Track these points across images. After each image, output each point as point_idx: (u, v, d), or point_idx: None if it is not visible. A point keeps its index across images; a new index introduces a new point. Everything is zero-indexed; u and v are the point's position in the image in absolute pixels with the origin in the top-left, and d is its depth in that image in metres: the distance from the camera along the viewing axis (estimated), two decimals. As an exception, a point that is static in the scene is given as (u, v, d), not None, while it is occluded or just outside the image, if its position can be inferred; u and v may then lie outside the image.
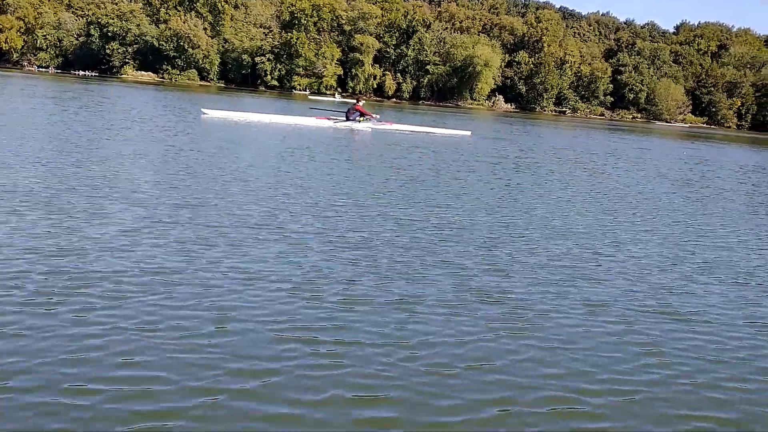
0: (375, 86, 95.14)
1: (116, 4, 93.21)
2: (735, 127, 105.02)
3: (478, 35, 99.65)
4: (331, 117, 25.41)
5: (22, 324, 4.40)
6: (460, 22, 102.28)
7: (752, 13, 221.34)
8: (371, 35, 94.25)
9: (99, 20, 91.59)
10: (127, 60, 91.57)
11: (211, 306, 4.95)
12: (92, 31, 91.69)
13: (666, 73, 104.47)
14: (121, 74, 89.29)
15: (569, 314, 5.50)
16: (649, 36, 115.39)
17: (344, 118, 24.75)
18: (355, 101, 27.01)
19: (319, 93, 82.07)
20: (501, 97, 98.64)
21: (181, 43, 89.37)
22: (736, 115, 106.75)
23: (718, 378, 4.44)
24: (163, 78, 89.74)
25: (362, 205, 9.51)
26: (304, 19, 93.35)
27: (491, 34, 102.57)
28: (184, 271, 5.70)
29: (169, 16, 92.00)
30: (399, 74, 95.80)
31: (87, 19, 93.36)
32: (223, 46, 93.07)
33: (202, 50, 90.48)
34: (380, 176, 12.87)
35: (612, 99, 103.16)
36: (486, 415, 3.72)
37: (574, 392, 4.05)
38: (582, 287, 6.24)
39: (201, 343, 4.32)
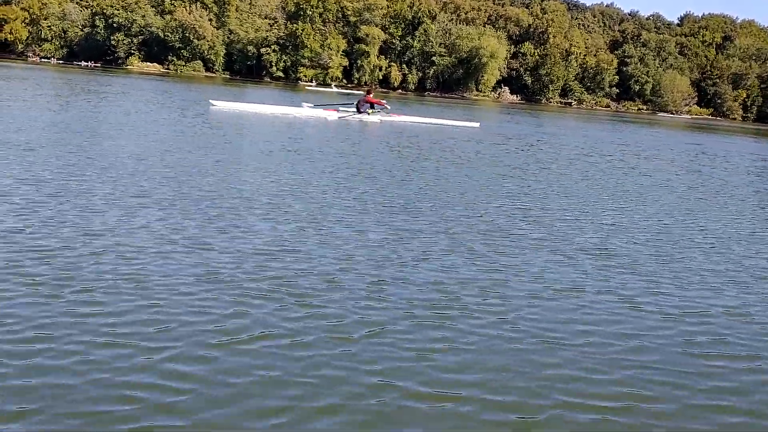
0: (380, 77, 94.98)
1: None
2: (740, 118, 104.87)
3: (484, 26, 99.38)
4: (341, 108, 25.41)
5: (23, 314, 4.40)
6: (466, 13, 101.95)
7: (756, 4, 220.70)
8: (377, 26, 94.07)
9: (104, 11, 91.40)
10: (132, 51, 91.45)
11: (229, 301, 4.84)
12: (97, 22, 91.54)
13: (671, 64, 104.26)
14: (127, 65, 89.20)
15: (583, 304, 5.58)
16: (654, 27, 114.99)
17: (355, 110, 24.74)
18: (364, 93, 27.16)
19: (324, 84, 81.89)
20: (507, 88, 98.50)
21: (187, 34, 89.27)
22: (741, 106, 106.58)
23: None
24: (168, 69, 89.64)
25: (383, 195, 9.53)
26: (310, 10, 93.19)
27: (496, 26, 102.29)
28: (196, 264, 5.61)
29: (174, 6, 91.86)
30: (404, 65, 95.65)
31: (92, 10, 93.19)
32: (228, 37, 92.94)
33: (207, 41, 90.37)
34: (395, 167, 12.89)
35: (617, 90, 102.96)
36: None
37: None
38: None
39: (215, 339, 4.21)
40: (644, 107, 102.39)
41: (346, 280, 5.51)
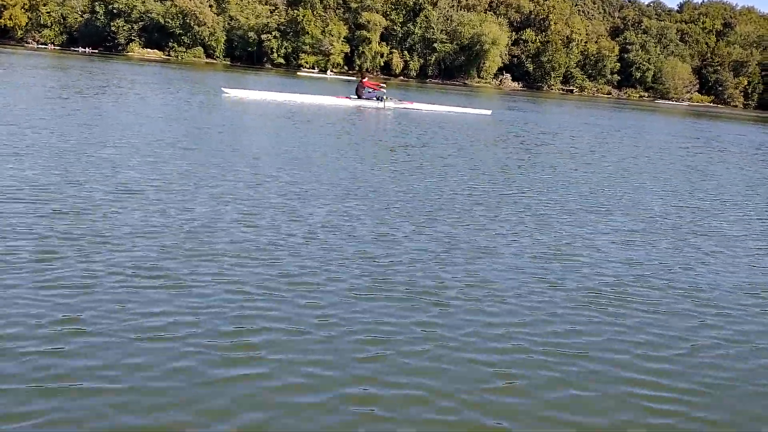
0: (382, 64, 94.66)
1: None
2: (741, 106, 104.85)
3: (485, 13, 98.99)
4: (351, 96, 25.66)
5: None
6: (467, 0, 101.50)
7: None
8: (378, 13, 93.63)
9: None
10: (132, 37, 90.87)
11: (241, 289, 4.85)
12: (97, 8, 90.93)
13: (672, 51, 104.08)
14: (127, 52, 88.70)
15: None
16: (655, 14, 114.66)
17: (356, 96, 25.06)
18: (359, 79, 27.38)
19: (323, 71, 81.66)
20: (508, 75, 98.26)
21: (187, 21, 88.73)
22: (742, 94, 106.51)
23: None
24: (169, 56, 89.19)
25: (404, 183, 9.64)
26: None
27: (497, 12, 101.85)
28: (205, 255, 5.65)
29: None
30: (406, 52, 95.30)
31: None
32: (228, 24, 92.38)
33: (208, 27, 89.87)
34: (411, 154, 12.98)
35: (619, 78, 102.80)
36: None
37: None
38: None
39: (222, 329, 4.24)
40: (645, 94, 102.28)
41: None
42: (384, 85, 26.81)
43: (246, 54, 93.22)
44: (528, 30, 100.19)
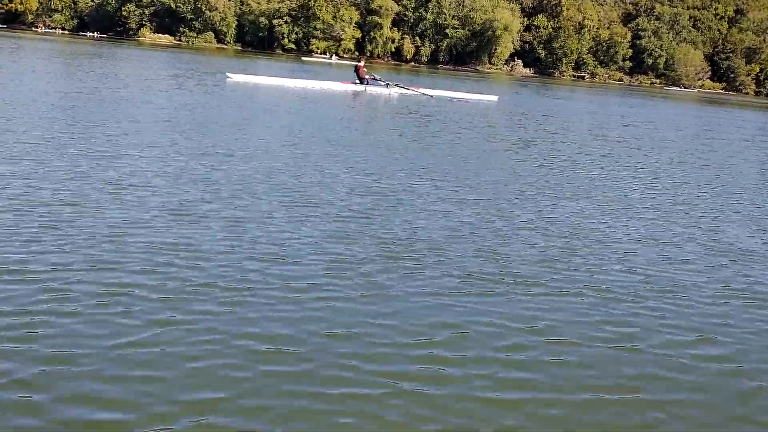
0: (393, 50, 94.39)
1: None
2: (753, 93, 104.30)
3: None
4: (355, 81, 25.72)
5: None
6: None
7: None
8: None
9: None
10: (143, 22, 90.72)
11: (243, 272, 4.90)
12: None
13: (685, 38, 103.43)
14: (138, 36, 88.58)
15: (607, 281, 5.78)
16: (668, 0, 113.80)
17: (359, 81, 25.33)
18: (357, 62, 27.52)
19: (325, 55, 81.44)
20: (520, 61, 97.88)
21: (198, 5, 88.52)
22: (754, 81, 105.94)
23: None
24: (180, 41, 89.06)
25: (408, 167, 9.73)
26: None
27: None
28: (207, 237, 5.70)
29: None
30: (417, 38, 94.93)
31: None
32: (240, 9, 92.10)
33: (219, 12, 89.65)
34: (417, 139, 13.13)
35: (631, 64, 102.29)
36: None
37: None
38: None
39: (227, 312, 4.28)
40: (657, 81, 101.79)
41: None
42: (373, 75, 26.42)
43: (257, 39, 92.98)
44: (540, 16, 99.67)
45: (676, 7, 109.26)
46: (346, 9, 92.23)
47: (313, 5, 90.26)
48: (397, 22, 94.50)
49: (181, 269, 4.80)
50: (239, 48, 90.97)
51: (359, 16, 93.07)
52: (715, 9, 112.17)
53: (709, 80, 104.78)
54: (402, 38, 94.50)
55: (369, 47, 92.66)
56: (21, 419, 3.00)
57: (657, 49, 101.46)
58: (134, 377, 3.36)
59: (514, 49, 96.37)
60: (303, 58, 70.86)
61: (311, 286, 4.71)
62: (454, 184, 8.72)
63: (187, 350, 3.65)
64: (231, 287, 4.56)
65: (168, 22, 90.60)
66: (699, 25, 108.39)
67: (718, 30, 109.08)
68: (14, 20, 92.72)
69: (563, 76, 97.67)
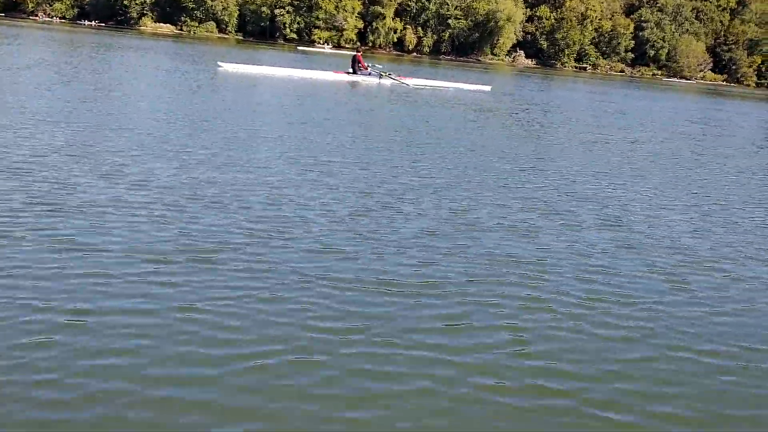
0: (395, 40, 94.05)
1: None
2: (754, 85, 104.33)
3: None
4: (348, 71, 25.72)
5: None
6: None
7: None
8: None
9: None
10: (145, 11, 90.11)
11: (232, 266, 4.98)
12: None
13: (687, 29, 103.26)
14: (140, 26, 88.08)
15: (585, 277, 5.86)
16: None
17: (351, 71, 25.26)
18: (355, 52, 27.45)
19: (333, 46, 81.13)
20: (522, 52, 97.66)
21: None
22: (756, 73, 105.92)
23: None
24: (181, 30, 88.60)
25: (381, 159, 9.82)
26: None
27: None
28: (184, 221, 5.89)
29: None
30: (420, 28, 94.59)
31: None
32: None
33: (221, 2, 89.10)
34: (398, 130, 13.16)
35: (633, 55, 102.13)
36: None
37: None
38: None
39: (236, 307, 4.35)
40: (659, 72, 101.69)
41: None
42: (370, 65, 26.35)
43: (259, 29, 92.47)
44: (542, 6, 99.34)
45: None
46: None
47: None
48: (399, 12, 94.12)
49: (175, 264, 4.86)
50: (241, 38, 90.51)
51: (361, 6, 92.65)
52: (717, 0, 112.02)
53: (710, 72, 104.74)
54: (404, 28, 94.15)
55: (371, 37, 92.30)
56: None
57: (659, 41, 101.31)
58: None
59: (517, 40, 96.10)
60: (299, 48, 70.70)
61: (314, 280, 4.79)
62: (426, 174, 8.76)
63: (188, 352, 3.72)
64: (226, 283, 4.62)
65: (169, 11, 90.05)
66: (701, 16, 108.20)
67: (720, 21, 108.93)
68: (14, 8, 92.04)
69: (565, 67, 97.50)
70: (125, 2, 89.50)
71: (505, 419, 3.39)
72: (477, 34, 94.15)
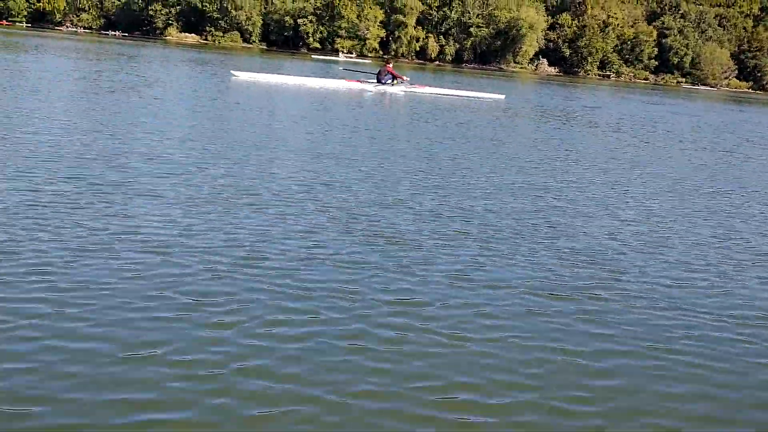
0: (417, 49, 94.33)
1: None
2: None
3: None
4: (362, 80, 25.40)
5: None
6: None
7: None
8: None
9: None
10: (170, 21, 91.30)
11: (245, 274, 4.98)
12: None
13: (711, 36, 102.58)
14: (165, 36, 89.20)
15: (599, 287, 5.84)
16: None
17: (375, 81, 24.78)
18: (384, 63, 27.21)
19: (352, 54, 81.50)
20: (544, 60, 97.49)
21: (225, 5, 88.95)
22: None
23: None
24: (206, 40, 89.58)
25: (390, 168, 9.74)
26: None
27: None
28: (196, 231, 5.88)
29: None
30: (442, 37, 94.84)
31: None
32: (265, 8, 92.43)
33: (244, 12, 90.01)
34: (410, 139, 13.08)
35: (656, 63, 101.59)
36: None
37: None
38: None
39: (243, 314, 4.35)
40: (683, 80, 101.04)
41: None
42: (405, 76, 26.20)
43: (282, 38, 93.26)
44: (564, 14, 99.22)
45: (701, 5, 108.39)
46: (370, 8, 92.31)
47: (338, 4, 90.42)
48: (421, 21, 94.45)
49: (187, 275, 4.89)
50: (264, 47, 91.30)
51: (383, 15, 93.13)
52: (740, 7, 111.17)
53: (735, 79, 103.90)
54: (426, 37, 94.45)
55: (393, 46, 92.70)
56: None
57: (683, 48, 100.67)
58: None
59: (539, 48, 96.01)
60: (312, 56, 71.13)
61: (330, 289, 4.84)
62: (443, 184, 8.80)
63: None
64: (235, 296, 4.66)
65: (194, 21, 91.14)
66: (724, 23, 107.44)
67: (744, 28, 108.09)
68: (42, 19, 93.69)
69: (588, 75, 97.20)
70: (151, 12, 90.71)
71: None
72: (499, 42, 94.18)
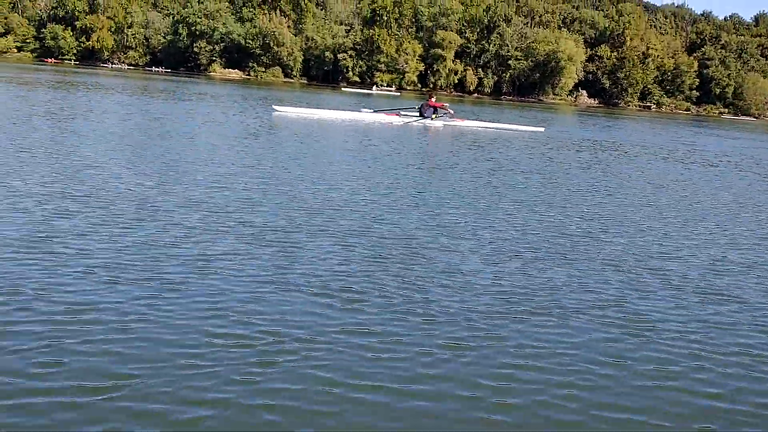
0: (456, 81, 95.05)
1: (202, 2, 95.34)
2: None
3: (558, 29, 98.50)
4: (402, 113, 25.46)
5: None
6: (540, 16, 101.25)
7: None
8: (452, 31, 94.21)
9: (186, 19, 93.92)
10: (214, 58, 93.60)
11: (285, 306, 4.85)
12: (180, 30, 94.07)
13: (753, 66, 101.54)
14: (209, 72, 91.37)
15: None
16: (734, 29, 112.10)
17: (417, 115, 24.74)
18: (426, 98, 27.16)
19: (381, 87, 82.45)
20: (584, 92, 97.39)
21: (267, 41, 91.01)
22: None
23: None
24: (249, 75, 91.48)
25: (430, 203, 9.42)
26: (386, 16, 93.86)
27: (571, 28, 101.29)
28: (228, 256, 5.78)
29: (253, 14, 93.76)
30: (480, 69, 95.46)
31: (174, 18, 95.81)
32: (305, 44, 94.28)
33: (286, 48, 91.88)
34: (449, 173, 12.81)
35: (698, 93, 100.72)
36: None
37: None
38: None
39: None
40: (726, 110, 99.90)
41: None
42: (447, 105, 26.32)
43: (322, 73, 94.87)
44: (603, 46, 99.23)
45: (742, 35, 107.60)
46: (409, 42, 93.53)
47: (377, 39, 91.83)
48: (459, 54, 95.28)
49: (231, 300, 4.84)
50: (305, 81, 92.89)
51: (422, 49, 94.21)
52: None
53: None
54: (465, 70, 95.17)
55: (432, 79, 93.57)
56: None
57: (725, 78, 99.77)
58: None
59: (578, 79, 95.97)
60: (343, 89, 72.06)
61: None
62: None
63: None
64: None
65: (237, 57, 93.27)
66: (766, 52, 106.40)
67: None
68: (91, 57, 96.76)
69: (629, 106, 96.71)
70: (195, 49, 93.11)
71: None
72: (538, 74, 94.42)
